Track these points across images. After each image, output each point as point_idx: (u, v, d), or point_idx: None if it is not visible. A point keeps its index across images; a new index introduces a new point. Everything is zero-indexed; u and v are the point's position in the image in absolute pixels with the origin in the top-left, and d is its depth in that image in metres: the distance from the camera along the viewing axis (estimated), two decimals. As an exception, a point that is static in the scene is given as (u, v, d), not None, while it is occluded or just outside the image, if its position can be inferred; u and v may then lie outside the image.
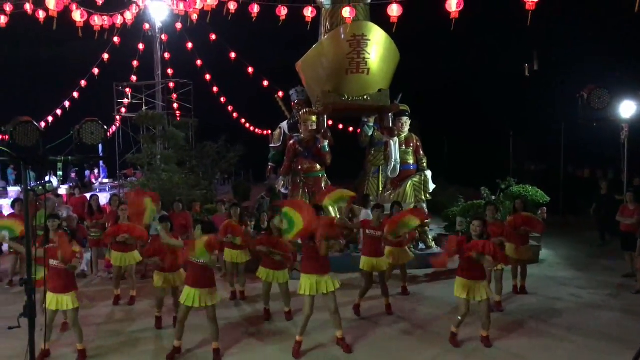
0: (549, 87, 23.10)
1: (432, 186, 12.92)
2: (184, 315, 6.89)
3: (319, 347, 7.19)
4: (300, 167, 13.02)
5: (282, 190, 13.50)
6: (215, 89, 23.86)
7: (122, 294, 9.55)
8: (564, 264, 12.19)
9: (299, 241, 7.51)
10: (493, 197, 13.30)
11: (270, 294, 8.54)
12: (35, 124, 4.69)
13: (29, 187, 4.86)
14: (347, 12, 11.54)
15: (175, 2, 18.98)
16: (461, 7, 9.80)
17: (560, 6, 18.62)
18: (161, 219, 8.21)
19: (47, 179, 19.91)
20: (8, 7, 14.60)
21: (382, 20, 11.91)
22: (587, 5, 21.04)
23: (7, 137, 4.66)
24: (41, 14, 13.92)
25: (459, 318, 7.16)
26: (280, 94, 17.02)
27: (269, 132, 18.70)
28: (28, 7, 13.96)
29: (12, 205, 11.70)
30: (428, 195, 12.86)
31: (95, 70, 20.83)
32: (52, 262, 6.69)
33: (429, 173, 12.96)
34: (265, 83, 20.81)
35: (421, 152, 13.17)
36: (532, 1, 9.14)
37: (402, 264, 9.64)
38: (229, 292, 9.71)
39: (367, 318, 8.41)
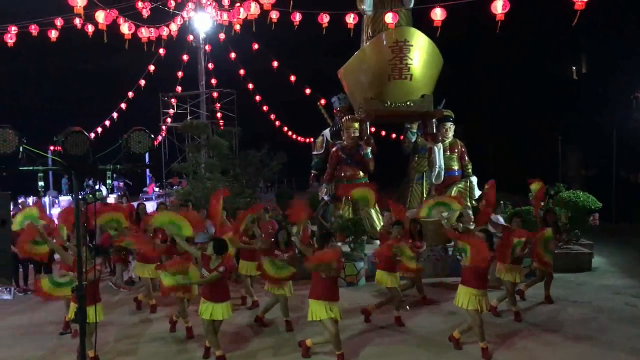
0: (599, 90, 22.39)
1: (477, 192, 12.68)
2: (209, 327, 6.90)
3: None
4: (343, 174, 12.99)
5: (325, 198, 13.47)
6: (257, 97, 24.11)
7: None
8: (617, 271, 11.73)
9: None
10: (542, 203, 12.91)
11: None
12: (86, 133, 4.77)
13: (79, 196, 4.97)
14: (389, 17, 11.46)
15: (218, 12, 19.30)
16: (507, 9, 9.59)
17: (609, 5, 18.08)
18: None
19: (96, 187, 20.44)
20: (59, 22, 15.11)
21: (425, 25, 11.79)
22: (638, 3, 20.33)
23: (58, 147, 4.74)
24: (90, 28, 14.35)
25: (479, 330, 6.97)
26: (323, 101, 17.04)
27: (312, 139, 18.73)
28: (77, 21, 14.42)
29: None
30: (474, 202, 12.61)
31: (142, 82, 21.35)
32: None
33: (474, 179, 12.73)
34: (308, 91, 20.90)
35: (466, 157, 12.96)
36: (581, 1, 8.84)
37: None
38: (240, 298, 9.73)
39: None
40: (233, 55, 22.10)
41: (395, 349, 7.34)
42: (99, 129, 22.51)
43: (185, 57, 21.80)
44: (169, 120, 23.03)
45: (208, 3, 20.36)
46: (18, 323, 9.03)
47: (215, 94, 23.44)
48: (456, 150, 12.97)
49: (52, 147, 6.19)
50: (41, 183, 4.92)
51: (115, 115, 22.71)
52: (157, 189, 25.83)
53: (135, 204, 13.96)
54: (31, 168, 4.81)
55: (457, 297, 7.08)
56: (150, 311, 9.41)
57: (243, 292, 9.78)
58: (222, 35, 21.14)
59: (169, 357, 7.33)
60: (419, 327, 8.23)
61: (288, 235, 8.22)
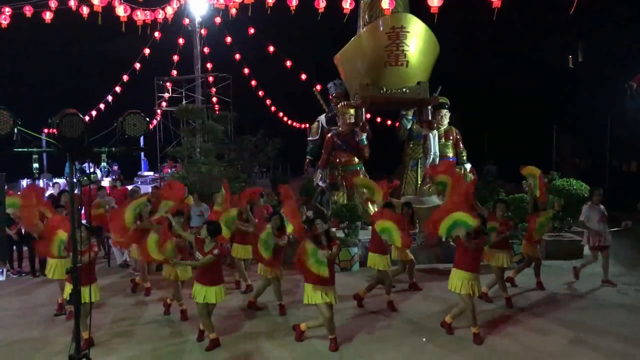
0: (594, 79, 22.40)
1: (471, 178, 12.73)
2: (203, 310, 6.95)
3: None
4: (338, 160, 13.02)
5: (320, 184, 13.50)
6: (253, 82, 24.01)
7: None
8: (611, 260, 11.80)
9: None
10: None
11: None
12: (80, 116, 4.77)
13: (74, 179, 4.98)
14: (386, 3, 11.43)
15: (215, -4, 19.14)
16: (504, -3, 9.59)
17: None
18: (177, 214, 8.16)
19: (91, 170, 20.42)
20: (53, 4, 14.99)
21: (421, 12, 11.76)
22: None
23: (53, 130, 4.74)
24: (85, 10, 14.24)
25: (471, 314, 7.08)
26: (319, 87, 17.01)
27: (307, 125, 18.72)
28: (72, 2, 14.31)
29: (58, 197, 12.04)
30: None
31: (137, 65, 21.22)
32: None
33: (468, 166, 12.77)
34: (304, 76, 20.82)
35: (461, 145, 12.99)
36: (578, -11, 8.85)
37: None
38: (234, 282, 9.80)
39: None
40: (229, 39, 21.96)
41: (388, 334, 7.41)
42: (94, 112, 22.43)
43: (180, 41, 21.65)
44: (164, 104, 22.91)
45: (204, -14, 20.20)
46: (12, 305, 9.07)
47: (210, 79, 23.30)
48: (451, 138, 13.00)
49: (46, 130, 6.18)
50: (36, 165, 4.92)
51: (110, 98, 22.62)
52: (147, 173, 25.82)
53: (129, 187, 14.00)
54: (26, 149, 4.82)
55: (450, 280, 7.14)
56: (144, 294, 9.46)
57: (237, 277, 9.84)
58: (218, 19, 21.00)
59: (164, 339, 7.38)
60: (411, 312, 8.31)
61: (281, 221, 8.25)
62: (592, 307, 8.51)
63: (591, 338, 7.14)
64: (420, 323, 7.81)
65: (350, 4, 12.59)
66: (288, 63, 21.12)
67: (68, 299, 6.66)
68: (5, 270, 10.89)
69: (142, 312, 8.57)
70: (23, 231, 10.98)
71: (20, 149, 4.76)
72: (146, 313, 8.53)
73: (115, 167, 24.62)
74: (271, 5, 14.07)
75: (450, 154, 12.86)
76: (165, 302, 8.44)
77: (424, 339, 7.17)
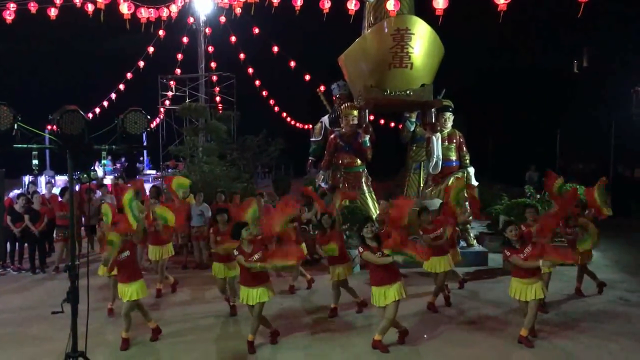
0: (599, 84, 22.34)
1: (474, 183, 12.66)
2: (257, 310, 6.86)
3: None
4: (340, 162, 12.97)
5: (322, 185, 13.45)
6: (257, 82, 23.99)
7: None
8: (613, 266, 11.77)
9: None
10: (538, 196, 12.94)
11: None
12: (81, 112, 4.72)
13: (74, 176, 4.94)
14: (391, 5, 11.38)
15: (219, -5, 19.11)
16: (509, 0, 9.52)
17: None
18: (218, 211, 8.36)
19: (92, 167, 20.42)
20: (58, 0, 14.96)
21: (427, 14, 11.70)
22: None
23: (54, 127, 4.70)
24: (90, 7, 14.23)
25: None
26: (322, 88, 16.97)
27: (310, 126, 18.67)
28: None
29: (61, 194, 12.03)
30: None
31: (141, 63, 21.22)
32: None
33: (471, 170, 12.69)
34: (307, 77, 20.79)
35: (464, 148, 12.90)
36: (585, -7, 8.79)
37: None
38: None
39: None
40: (233, 39, 21.94)
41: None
42: (97, 110, 22.42)
43: (185, 40, 21.64)
44: (167, 102, 22.91)
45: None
46: (11, 302, 9.05)
47: (214, 78, 23.31)
48: (454, 141, 12.92)
49: (48, 126, 6.15)
50: (35, 161, 4.88)
51: (113, 96, 22.61)
52: (150, 171, 25.82)
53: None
54: (26, 146, 4.78)
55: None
56: (156, 295, 9.33)
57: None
58: (222, 19, 20.98)
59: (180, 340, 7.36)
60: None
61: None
62: (593, 313, 8.43)
63: (594, 344, 7.07)
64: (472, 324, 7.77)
65: (355, 5, 12.55)
66: (292, 63, 21.10)
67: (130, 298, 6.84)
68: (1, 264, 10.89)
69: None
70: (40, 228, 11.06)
71: (20, 145, 4.72)
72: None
73: (118, 165, 24.64)
74: (276, 5, 14.05)
75: (454, 157, 12.77)
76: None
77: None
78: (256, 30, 20.59)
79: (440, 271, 8.46)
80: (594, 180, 9.81)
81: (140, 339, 7.25)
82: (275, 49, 20.81)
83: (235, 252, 6.77)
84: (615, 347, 6.99)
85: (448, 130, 12.82)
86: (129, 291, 6.93)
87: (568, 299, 9.20)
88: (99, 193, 12.93)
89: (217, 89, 23.82)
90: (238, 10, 16.67)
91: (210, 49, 22.33)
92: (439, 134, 12.45)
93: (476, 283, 10.30)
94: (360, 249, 6.85)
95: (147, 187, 13.91)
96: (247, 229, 6.84)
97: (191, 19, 21.04)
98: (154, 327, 7.29)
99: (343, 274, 8.20)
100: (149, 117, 5.11)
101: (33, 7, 15.20)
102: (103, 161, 20.86)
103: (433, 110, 12.88)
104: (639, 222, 14.80)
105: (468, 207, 12.14)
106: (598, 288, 9.49)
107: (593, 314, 8.40)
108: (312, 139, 15.18)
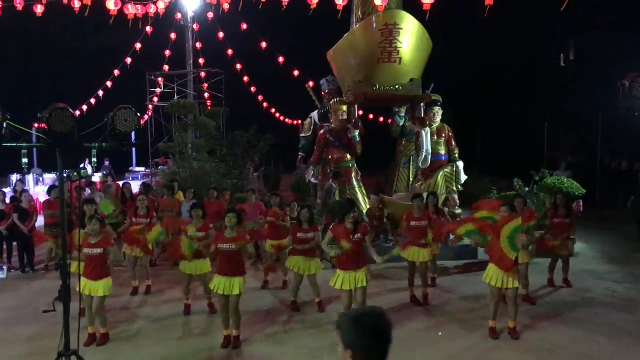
0: (585, 77, 22.49)
1: (463, 177, 12.75)
2: (223, 303, 6.88)
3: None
4: (330, 157, 13.00)
5: (312, 180, 13.48)
6: (245, 78, 23.93)
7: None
8: (600, 257, 11.91)
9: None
10: (526, 189, 13.04)
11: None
12: (70, 110, 4.71)
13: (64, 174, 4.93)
14: (378, 0, 11.38)
15: (207, -10, 19.04)
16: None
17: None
18: (193, 206, 8.23)
19: (81, 165, 20.28)
20: (45, -5, 14.82)
21: (414, 9, 11.73)
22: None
23: (43, 124, 4.69)
24: (76, 3, 14.11)
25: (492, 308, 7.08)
26: (311, 83, 16.96)
27: (299, 121, 18.68)
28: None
29: (48, 192, 11.95)
30: (459, 186, 12.71)
31: (128, 60, 21.08)
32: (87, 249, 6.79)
33: (460, 164, 12.78)
34: (296, 72, 20.77)
35: (453, 142, 12.99)
36: (570, -14, 8.86)
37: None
38: (262, 280, 9.71)
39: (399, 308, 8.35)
40: (221, 34, 21.86)
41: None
42: (84, 107, 22.26)
43: (172, 36, 21.53)
44: (155, 99, 22.79)
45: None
46: (3, 301, 9.00)
47: (202, 74, 23.22)
48: (443, 135, 12.99)
49: (36, 124, 6.12)
50: (25, 160, 4.87)
51: (100, 93, 22.46)
52: (139, 168, 25.70)
53: (120, 182, 13.93)
54: (15, 144, 4.76)
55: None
56: (145, 292, 9.32)
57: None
58: (210, 14, 20.89)
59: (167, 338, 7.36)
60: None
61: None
62: (581, 304, 8.54)
63: (582, 335, 7.17)
64: (458, 318, 7.84)
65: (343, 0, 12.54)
66: (280, 59, 21.06)
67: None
68: (5, 267, 10.77)
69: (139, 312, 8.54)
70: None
71: (8, 144, 4.70)
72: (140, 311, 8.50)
73: (107, 163, 24.49)
74: (264, 0, 14.02)
75: (443, 152, 12.85)
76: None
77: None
78: (244, 26, 20.53)
79: (420, 261, 8.52)
80: (581, 172, 9.86)
81: (124, 335, 7.27)
82: (264, 44, 20.77)
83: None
84: (602, 339, 7.06)
85: (437, 124, 12.90)
86: (101, 288, 6.83)
87: (554, 291, 9.31)
88: (88, 191, 12.87)
89: (206, 85, 23.74)
90: (226, 6, 16.62)
91: (198, 45, 22.26)
92: (427, 128, 12.52)
93: (465, 276, 10.38)
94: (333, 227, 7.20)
95: (136, 184, 13.92)
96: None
97: (179, 15, 20.94)
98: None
99: (313, 268, 8.28)
100: (138, 114, 5.12)
101: (19, 4, 15.04)
102: (93, 159, 20.65)
103: (422, 104, 12.95)
104: (625, 214, 14.94)
105: (457, 200, 12.31)
106: (548, 283, 9.54)
107: (580, 305, 8.49)
108: (301, 135, 15.20)
